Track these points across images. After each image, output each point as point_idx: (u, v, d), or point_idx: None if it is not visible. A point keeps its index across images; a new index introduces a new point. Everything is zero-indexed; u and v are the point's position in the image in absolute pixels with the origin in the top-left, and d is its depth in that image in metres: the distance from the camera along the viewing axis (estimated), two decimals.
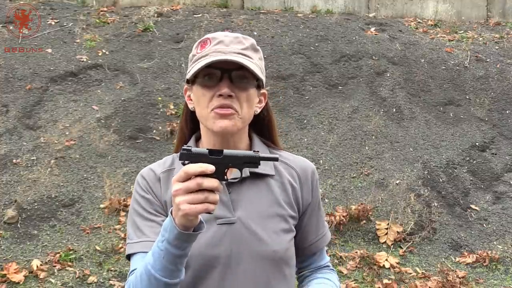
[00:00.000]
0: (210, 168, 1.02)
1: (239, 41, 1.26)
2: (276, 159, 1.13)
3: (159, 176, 1.31)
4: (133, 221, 1.28)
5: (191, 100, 1.32)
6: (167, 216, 1.26)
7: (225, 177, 1.09)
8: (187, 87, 1.33)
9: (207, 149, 1.08)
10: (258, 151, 1.11)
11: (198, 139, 1.37)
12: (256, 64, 1.26)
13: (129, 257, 1.26)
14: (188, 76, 1.26)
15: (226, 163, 1.08)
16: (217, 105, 1.21)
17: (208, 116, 1.23)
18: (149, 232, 1.24)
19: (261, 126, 1.39)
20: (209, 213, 1.04)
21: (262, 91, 1.33)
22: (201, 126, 1.32)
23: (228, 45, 1.24)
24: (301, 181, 1.34)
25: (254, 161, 1.10)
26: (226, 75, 1.21)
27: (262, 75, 1.27)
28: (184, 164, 1.07)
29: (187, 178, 1.02)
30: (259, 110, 1.33)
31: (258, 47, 1.31)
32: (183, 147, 1.07)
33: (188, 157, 1.07)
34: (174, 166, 1.34)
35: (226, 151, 1.08)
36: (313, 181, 1.36)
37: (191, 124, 1.38)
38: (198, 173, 1.02)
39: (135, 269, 1.20)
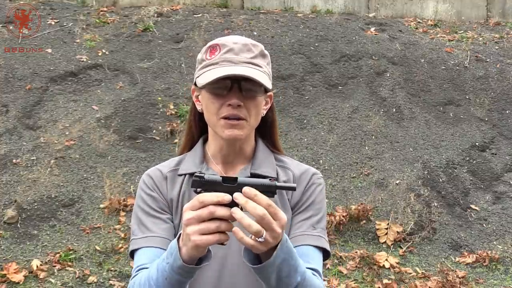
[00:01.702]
0: (226, 198, 0.98)
1: (248, 48, 1.27)
2: (293, 189, 1.07)
3: (166, 175, 1.33)
4: (138, 218, 1.29)
5: (199, 101, 1.34)
6: (171, 214, 1.28)
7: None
8: (194, 88, 1.36)
9: (221, 176, 1.04)
10: (275, 179, 1.04)
11: (205, 141, 1.39)
12: (264, 71, 1.28)
13: (132, 253, 1.27)
14: (198, 83, 1.29)
15: (241, 190, 1.01)
16: (226, 114, 1.24)
17: (217, 124, 1.26)
18: (153, 228, 1.25)
19: (264, 127, 1.41)
20: (222, 244, 1.00)
21: (268, 93, 1.36)
22: (209, 129, 1.34)
23: (237, 54, 1.25)
24: (295, 182, 1.33)
25: (271, 190, 1.02)
26: (235, 85, 1.23)
27: (270, 82, 1.30)
28: (196, 192, 1.03)
29: (201, 207, 0.98)
30: (265, 112, 1.36)
31: (266, 52, 1.33)
32: (195, 174, 1.03)
33: (201, 185, 1.02)
34: (179, 166, 1.36)
35: (240, 179, 1.03)
36: (309, 182, 1.34)
37: (200, 124, 1.40)
38: (215, 203, 0.97)
39: (140, 265, 1.20)
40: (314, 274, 1.23)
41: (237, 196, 0.97)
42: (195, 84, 1.33)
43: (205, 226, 0.98)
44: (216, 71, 1.23)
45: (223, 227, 0.98)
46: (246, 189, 0.98)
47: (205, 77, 1.25)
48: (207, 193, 0.99)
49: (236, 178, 1.03)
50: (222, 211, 0.98)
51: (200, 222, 0.98)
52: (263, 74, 1.26)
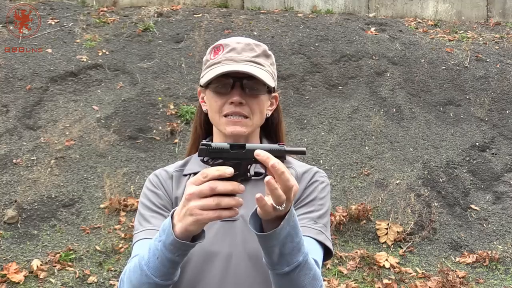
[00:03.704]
0: (228, 171, 0.96)
1: (251, 48, 1.30)
2: (303, 153, 1.06)
3: (172, 174, 1.35)
4: (140, 214, 1.30)
5: (205, 102, 1.37)
6: None
7: (248, 174, 1.02)
8: (200, 89, 1.38)
9: (228, 143, 1.02)
10: (283, 144, 1.04)
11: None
12: (267, 71, 1.30)
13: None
14: (202, 82, 1.31)
15: (250, 158, 1.00)
16: (228, 112, 1.26)
17: (220, 121, 1.28)
18: (154, 221, 1.25)
19: (269, 128, 1.43)
20: (233, 220, 0.99)
21: (274, 94, 1.37)
22: (214, 128, 1.36)
23: (240, 53, 1.28)
24: (297, 179, 1.33)
25: (280, 155, 1.00)
26: (237, 83, 1.26)
27: (273, 81, 1.31)
28: (203, 161, 1.01)
29: (205, 181, 0.97)
30: (270, 113, 1.37)
31: (270, 53, 1.34)
32: (202, 142, 1.03)
33: (208, 153, 1.00)
34: (185, 167, 1.37)
35: (248, 145, 1.01)
36: (311, 179, 1.34)
37: (205, 125, 1.42)
38: (216, 177, 0.95)
39: (135, 255, 1.20)
40: (318, 265, 1.21)
41: (276, 164, 0.95)
42: (201, 85, 1.35)
43: (206, 202, 0.96)
44: (218, 69, 1.25)
45: (224, 203, 0.97)
46: (259, 152, 0.97)
47: (207, 76, 1.28)
48: (210, 168, 0.97)
49: (244, 144, 1.01)
50: (223, 186, 0.96)
51: (201, 197, 0.97)
52: (265, 73, 1.28)
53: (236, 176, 0.98)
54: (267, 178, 0.95)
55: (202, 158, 1.02)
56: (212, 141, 1.37)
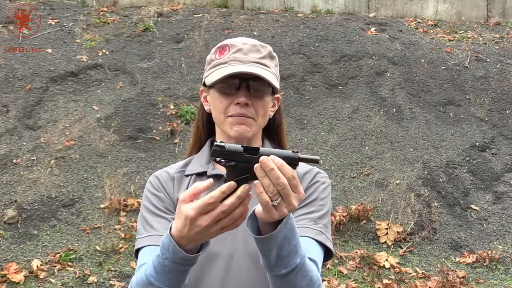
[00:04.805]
0: (231, 186, 0.96)
1: (257, 49, 1.30)
2: (317, 161, 1.05)
3: (173, 176, 1.35)
4: (143, 217, 1.30)
5: (207, 102, 1.36)
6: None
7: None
8: (203, 89, 1.38)
9: (242, 146, 1.01)
10: (297, 151, 1.02)
11: (212, 142, 1.40)
12: (272, 72, 1.30)
13: (137, 252, 1.27)
14: (207, 82, 1.30)
15: None
16: (234, 113, 1.26)
17: (225, 122, 1.28)
18: (158, 227, 1.25)
19: (271, 129, 1.43)
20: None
21: (276, 95, 1.38)
22: (217, 129, 1.36)
23: (246, 54, 1.28)
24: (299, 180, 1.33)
25: (293, 163, 1.00)
26: (244, 84, 1.26)
27: (277, 83, 1.32)
28: (216, 161, 1.02)
29: (213, 207, 0.98)
30: (272, 114, 1.38)
31: (275, 54, 1.35)
32: (215, 143, 1.01)
33: (221, 155, 1.00)
34: (186, 167, 1.37)
35: (262, 149, 1.00)
36: (312, 180, 1.34)
37: (207, 125, 1.42)
38: (223, 198, 0.97)
39: (143, 264, 1.20)
40: (316, 264, 1.21)
41: (258, 168, 0.96)
42: (204, 85, 1.35)
43: (223, 224, 1.00)
44: (225, 70, 1.25)
45: (237, 215, 0.99)
46: (273, 157, 0.97)
47: (213, 76, 1.27)
48: (212, 192, 0.97)
49: (258, 148, 1.00)
50: (234, 203, 0.97)
51: (218, 221, 0.99)
52: (270, 74, 1.28)
53: (247, 179, 0.98)
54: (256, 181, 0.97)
55: (214, 158, 1.02)
56: (213, 142, 1.37)
